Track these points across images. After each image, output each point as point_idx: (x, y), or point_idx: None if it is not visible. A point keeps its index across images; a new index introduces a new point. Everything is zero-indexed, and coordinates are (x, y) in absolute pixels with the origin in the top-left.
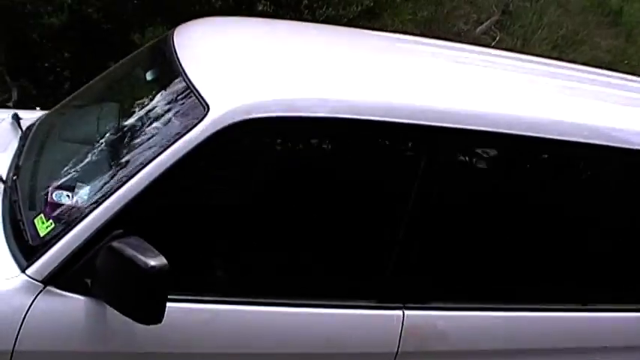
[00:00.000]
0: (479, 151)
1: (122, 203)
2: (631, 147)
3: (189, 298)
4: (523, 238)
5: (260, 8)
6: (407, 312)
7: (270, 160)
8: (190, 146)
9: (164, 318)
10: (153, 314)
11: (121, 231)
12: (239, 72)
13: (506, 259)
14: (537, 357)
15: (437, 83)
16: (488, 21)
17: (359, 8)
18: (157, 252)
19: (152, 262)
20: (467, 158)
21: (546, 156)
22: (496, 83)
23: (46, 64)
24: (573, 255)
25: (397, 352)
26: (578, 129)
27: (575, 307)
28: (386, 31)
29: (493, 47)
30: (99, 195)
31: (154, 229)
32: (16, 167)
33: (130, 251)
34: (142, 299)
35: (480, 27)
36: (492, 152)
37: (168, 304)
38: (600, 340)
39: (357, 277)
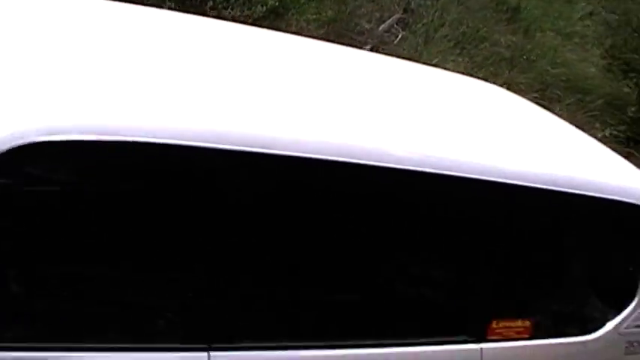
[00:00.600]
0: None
1: None
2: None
3: None
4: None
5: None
6: (212, 353)
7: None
8: None
9: None
10: None
11: None
12: None
13: (302, 295)
14: None
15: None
16: (391, 19)
17: (264, 8)
18: None
19: None
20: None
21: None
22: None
23: None
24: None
25: None
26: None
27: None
28: (289, 31)
29: (394, 45)
30: None
31: None
32: None
33: None
34: None
35: (383, 25)
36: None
37: None
38: None
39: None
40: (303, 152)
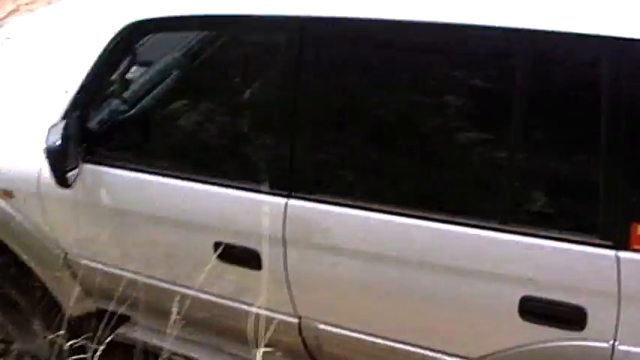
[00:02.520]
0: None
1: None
2: None
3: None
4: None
5: None
6: (290, 201)
7: None
8: None
9: None
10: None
11: None
12: None
13: (398, 159)
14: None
15: None
16: None
17: None
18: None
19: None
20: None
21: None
22: None
23: None
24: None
25: (283, 238)
26: None
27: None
28: None
29: None
30: None
31: None
32: None
33: None
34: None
35: None
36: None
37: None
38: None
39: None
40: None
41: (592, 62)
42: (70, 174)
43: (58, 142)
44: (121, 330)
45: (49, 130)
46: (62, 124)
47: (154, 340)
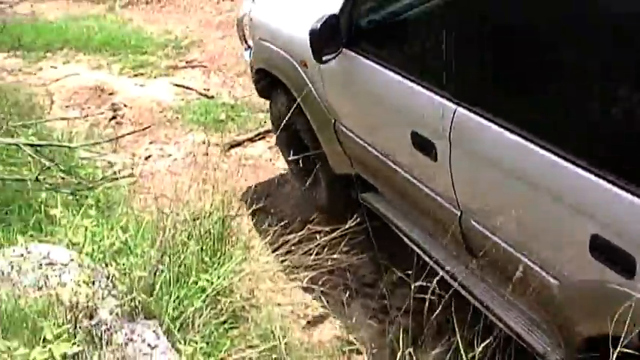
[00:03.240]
0: None
1: None
2: None
3: None
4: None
5: None
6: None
7: None
8: None
9: None
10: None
11: None
12: None
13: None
14: None
15: None
16: None
17: None
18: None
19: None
20: None
21: None
22: None
23: None
24: None
25: (449, 139)
26: None
27: None
28: None
29: None
30: None
31: None
32: None
33: None
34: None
35: None
36: None
37: None
38: None
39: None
40: None
41: None
42: (325, 57)
43: (317, 29)
44: (365, 195)
45: (317, 20)
46: (325, 17)
47: (381, 209)
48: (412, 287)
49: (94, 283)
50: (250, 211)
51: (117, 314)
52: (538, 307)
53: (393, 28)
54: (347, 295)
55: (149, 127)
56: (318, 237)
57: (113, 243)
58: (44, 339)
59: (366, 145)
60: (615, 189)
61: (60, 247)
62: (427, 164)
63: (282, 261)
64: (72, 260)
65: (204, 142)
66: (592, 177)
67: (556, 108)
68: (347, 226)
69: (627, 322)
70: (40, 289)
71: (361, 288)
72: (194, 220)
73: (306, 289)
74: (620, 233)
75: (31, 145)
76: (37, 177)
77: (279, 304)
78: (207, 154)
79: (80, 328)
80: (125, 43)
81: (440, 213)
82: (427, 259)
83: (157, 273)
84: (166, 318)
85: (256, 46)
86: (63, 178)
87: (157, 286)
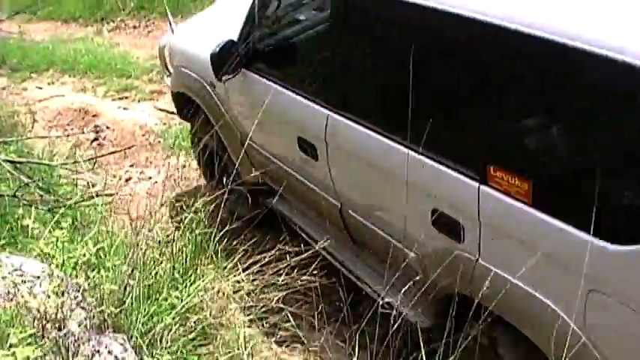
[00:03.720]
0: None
1: None
2: None
3: None
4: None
5: None
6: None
7: None
8: None
9: None
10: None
11: None
12: None
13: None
14: None
15: None
16: None
17: None
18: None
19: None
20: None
21: None
22: None
23: None
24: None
25: (325, 141)
26: None
27: None
28: None
29: None
30: None
31: None
32: None
33: None
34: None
35: None
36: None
37: None
38: None
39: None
40: None
41: None
42: (225, 77)
43: (216, 52)
44: (269, 200)
45: (216, 45)
46: (222, 42)
47: (285, 211)
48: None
49: (63, 293)
50: (223, 230)
51: (85, 326)
52: (407, 278)
53: (282, 50)
54: (317, 316)
55: (130, 148)
56: (287, 257)
57: (84, 254)
58: (10, 345)
59: (266, 153)
60: (443, 168)
61: (33, 259)
62: (312, 164)
63: (253, 280)
64: (44, 272)
65: (184, 166)
66: (427, 160)
67: (403, 111)
68: (317, 247)
69: (460, 279)
70: (11, 300)
71: (331, 309)
72: (167, 237)
73: (276, 310)
74: (449, 204)
75: (11, 162)
76: (14, 193)
77: (248, 324)
78: (186, 178)
79: (48, 338)
80: (111, 66)
81: (325, 206)
82: (321, 250)
83: (127, 288)
84: (135, 332)
85: (175, 72)
86: (41, 196)
87: (127, 301)
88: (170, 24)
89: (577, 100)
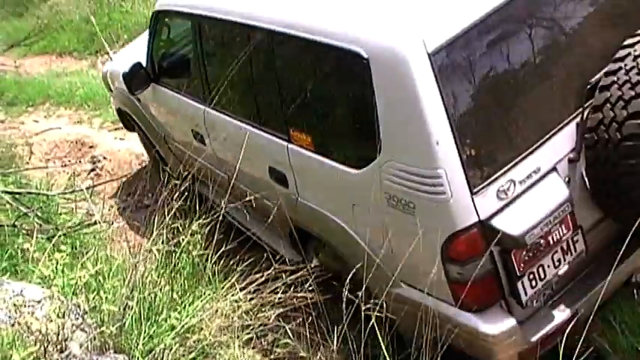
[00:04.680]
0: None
1: None
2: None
3: None
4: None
5: None
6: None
7: None
8: None
9: None
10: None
11: None
12: None
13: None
14: None
15: None
16: None
17: None
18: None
19: None
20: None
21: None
22: None
23: None
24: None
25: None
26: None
27: None
28: None
29: None
30: None
31: None
32: None
33: None
34: None
35: None
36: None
37: None
38: None
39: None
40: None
41: None
42: (137, 91)
43: (126, 73)
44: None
45: (127, 67)
46: (131, 64)
47: (204, 192)
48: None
49: (64, 315)
50: (219, 251)
51: (87, 348)
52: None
53: (174, 66)
54: (315, 332)
55: (126, 177)
56: (283, 276)
57: (83, 276)
58: None
59: (179, 145)
60: (269, 136)
61: (33, 284)
62: (204, 149)
63: (251, 299)
64: (45, 296)
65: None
66: (262, 133)
67: (246, 100)
68: (313, 265)
69: (294, 215)
70: (12, 325)
71: (329, 325)
72: (165, 260)
73: (274, 327)
74: (276, 161)
75: (10, 193)
76: (14, 223)
77: (247, 342)
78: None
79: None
80: (106, 98)
81: (220, 180)
82: (226, 215)
83: (127, 309)
84: (136, 353)
85: (115, 92)
86: (40, 225)
87: (127, 322)
88: (109, 53)
89: (320, 79)
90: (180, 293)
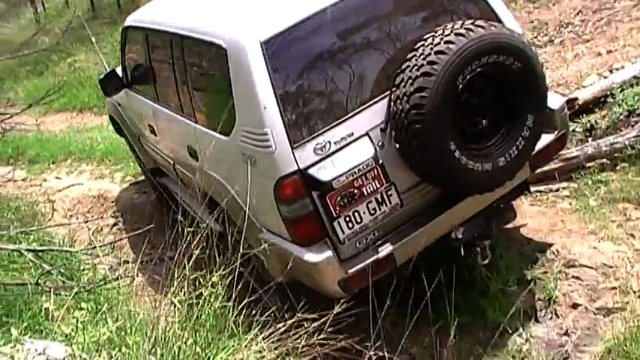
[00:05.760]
0: None
1: None
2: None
3: None
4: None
5: None
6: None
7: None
8: None
9: None
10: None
11: None
12: None
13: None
14: None
15: None
16: None
17: None
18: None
19: None
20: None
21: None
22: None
23: None
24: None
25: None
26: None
27: None
28: None
29: None
30: None
31: None
32: None
33: None
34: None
35: None
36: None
37: None
38: None
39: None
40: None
41: None
42: (112, 94)
43: (102, 78)
44: (160, 179)
45: (103, 76)
46: (107, 71)
47: (171, 185)
48: None
49: None
50: (243, 303)
51: None
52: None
53: (137, 74)
54: None
55: (148, 229)
56: (306, 324)
57: (104, 333)
58: None
59: (147, 141)
60: (186, 120)
61: (57, 343)
62: (156, 140)
63: (275, 348)
64: (67, 355)
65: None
66: (182, 118)
67: (175, 94)
68: (335, 311)
69: (204, 184)
70: None
71: None
72: (187, 313)
73: None
74: (190, 140)
75: (33, 251)
76: (37, 281)
77: None
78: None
79: None
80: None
81: (169, 167)
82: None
83: None
84: None
85: (106, 101)
86: (63, 282)
87: None
88: (105, 68)
89: (204, 68)
90: (203, 346)
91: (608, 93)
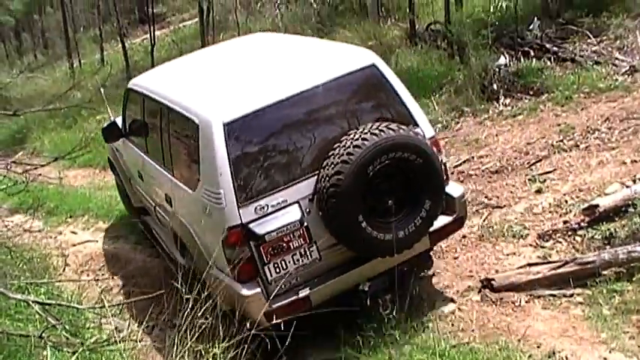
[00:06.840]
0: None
1: None
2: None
3: None
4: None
5: None
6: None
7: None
8: None
9: None
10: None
11: None
12: None
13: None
14: None
15: None
16: None
17: None
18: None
19: None
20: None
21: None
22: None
23: None
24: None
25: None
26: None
27: None
28: None
29: None
30: None
31: None
32: None
33: None
34: None
35: None
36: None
37: None
38: None
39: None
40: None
41: None
42: (111, 142)
43: (104, 128)
44: (143, 217)
45: (106, 125)
46: (108, 122)
47: (152, 223)
48: None
49: None
50: None
51: None
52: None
53: (134, 128)
54: None
55: (157, 294)
56: None
57: None
58: None
59: (135, 183)
60: (165, 172)
61: None
62: (143, 186)
63: None
64: None
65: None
66: (162, 170)
67: (160, 152)
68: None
69: (175, 226)
70: None
71: None
72: None
73: None
74: (165, 189)
75: (40, 303)
76: (41, 334)
77: None
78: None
79: None
80: None
81: (152, 209)
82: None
83: None
84: None
85: (108, 147)
86: (67, 338)
87: None
88: (109, 115)
89: (180, 135)
90: None
91: (630, 203)
